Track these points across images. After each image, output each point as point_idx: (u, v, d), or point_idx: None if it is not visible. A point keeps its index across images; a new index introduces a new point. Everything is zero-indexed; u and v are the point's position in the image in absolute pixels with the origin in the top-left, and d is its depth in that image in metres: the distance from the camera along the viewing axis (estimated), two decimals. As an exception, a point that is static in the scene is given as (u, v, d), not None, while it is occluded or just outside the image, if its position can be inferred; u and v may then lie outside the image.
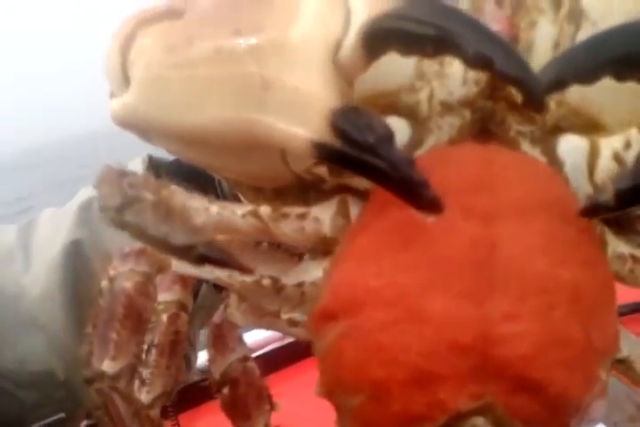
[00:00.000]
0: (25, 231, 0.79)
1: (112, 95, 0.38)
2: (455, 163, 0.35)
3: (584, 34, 0.38)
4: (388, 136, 0.30)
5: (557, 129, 0.38)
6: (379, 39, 0.30)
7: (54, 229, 0.78)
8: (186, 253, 0.32)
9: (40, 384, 0.71)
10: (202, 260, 0.32)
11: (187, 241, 0.31)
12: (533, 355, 0.31)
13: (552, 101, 0.38)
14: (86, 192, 0.78)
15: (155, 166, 0.66)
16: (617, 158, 0.37)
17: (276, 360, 0.83)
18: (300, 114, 0.30)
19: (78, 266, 0.75)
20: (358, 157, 0.30)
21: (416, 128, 0.38)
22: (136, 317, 0.37)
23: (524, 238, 0.33)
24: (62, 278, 0.74)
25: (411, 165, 0.29)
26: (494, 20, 0.36)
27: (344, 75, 0.31)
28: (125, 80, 0.36)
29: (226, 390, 0.48)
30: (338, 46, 0.30)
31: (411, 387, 0.32)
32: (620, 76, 0.31)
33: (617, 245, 0.38)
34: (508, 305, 0.31)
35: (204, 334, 0.53)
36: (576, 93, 0.38)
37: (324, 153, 0.30)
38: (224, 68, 0.31)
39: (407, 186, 0.30)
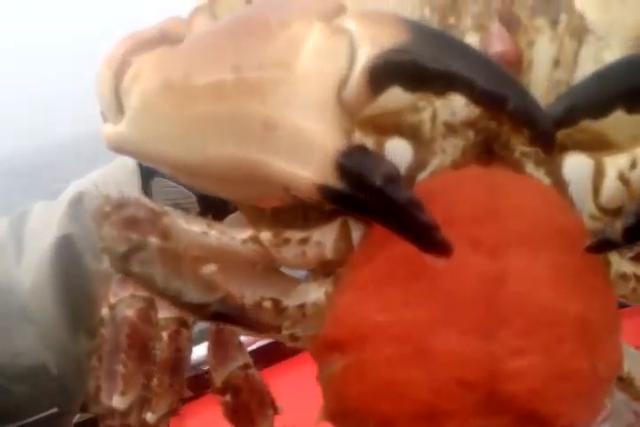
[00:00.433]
0: (16, 224, 0.78)
1: (105, 119, 0.36)
2: (460, 190, 0.34)
3: (589, 49, 0.37)
4: (395, 178, 0.29)
5: (562, 148, 0.37)
6: (385, 76, 0.29)
7: (45, 223, 0.77)
8: (200, 310, 0.31)
9: (33, 378, 0.71)
10: (216, 317, 0.32)
11: (200, 300, 0.31)
12: (540, 389, 0.31)
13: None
14: (77, 186, 0.77)
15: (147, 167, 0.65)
16: (622, 179, 0.36)
17: (269, 356, 0.83)
18: (305, 155, 0.29)
19: (69, 261, 0.74)
20: (365, 201, 0.29)
21: (419, 150, 0.37)
22: (141, 346, 0.37)
23: (532, 271, 0.32)
24: (53, 273, 0.74)
25: (419, 207, 0.29)
26: (499, 39, 0.35)
27: (348, 111, 0.30)
28: (119, 107, 0.35)
29: (228, 398, 0.49)
30: (343, 84, 0.29)
31: (417, 421, 0.32)
32: (631, 110, 0.30)
33: (620, 265, 0.37)
34: (515, 340, 0.31)
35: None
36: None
37: (329, 195, 0.30)
38: (224, 107, 0.30)
39: (416, 229, 0.29)
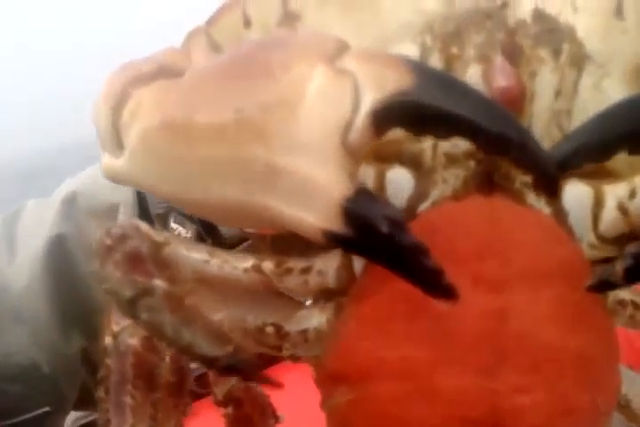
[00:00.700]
0: (9, 222, 0.78)
1: (103, 148, 0.36)
2: (462, 224, 0.34)
3: (589, 77, 0.37)
4: (400, 223, 0.29)
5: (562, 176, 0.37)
6: (389, 119, 0.29)
7: (38, 222, 0.76)
8: (210, 363, 0.32)
9: (25, 377, 0.71)
10: (227, 370, 0.32)
11: (211, 353, 0.31)
12: (543, 426, 0.32)
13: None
14: (70, 185, 0.76)
15: None
16: (621, 208, 0.37)
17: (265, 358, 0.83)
18: (309, 200, 0.29)
19: (62, 260, 0.74)
20: (370, 246, 0.29)
21: (421, 180, 0.37)
22: (148, 375, 0.37)
23: (534, 308, 0.33)
24: (45, 272, 0.74)
25: (425, 253, 0.29)
26: (503, 74, 0.34)
27: (351, 153, 0.30)
28: (117, 141, 0.34)
29: (230, 410, 0.49)
30: (347, 128, 0.29)
31: (421, 457, 0.33)
32: (633, 151, 0.30)
33: (618, 292, 0.38)
34: (517, 377, 0.32)
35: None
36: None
37: (333, 240, 0.30)
38: (226, 149, 0.30)
39: (421, 274, 0.29)
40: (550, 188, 0.29)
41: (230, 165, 0.30)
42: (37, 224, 0.77)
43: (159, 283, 0.31)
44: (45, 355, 0.73)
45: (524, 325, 0.32)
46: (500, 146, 0.29)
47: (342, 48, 0.31)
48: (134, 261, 0.32)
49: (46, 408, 0.73)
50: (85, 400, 0.76)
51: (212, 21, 0.39)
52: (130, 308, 0.31)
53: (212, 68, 0.32)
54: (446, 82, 0.30)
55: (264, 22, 0.38)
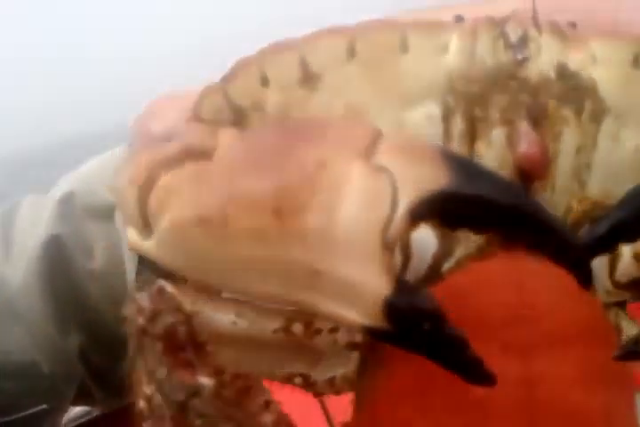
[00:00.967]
0: (6, 218, 0.76)
1: (130, 224, 0.36)
2: (489, 289, 0.35)
3: (607, 129, 0.37)
4: (442, 318, 0.30)
5: (580, 225, 0.38)
6: (427, 216, 0.30)
7: (34, 220, 0.75)
8: None
9: (23, 375, 0.72)
10: None
11: None
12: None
13: (574, 200, 0.38)
14: (67, 182, 0.75)
15: None
16: (637, 257, 0.38)
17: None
18: (351, 299, 0.30)
19: (58, 261, 0.73)
20: (412, 340, 0.30)
21: (444, 238, 0.37)
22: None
23: (561, 371, 0.34)
24: (42, 272, 0.73)
25: (466, 345, 0.30)
26: (527, 140, 0.34)
27: (389, 248, 0.30)
28: (145, 224, 0.34)
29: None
30: (386, 228, 0.29)
31: None
32: None
33: (631, 330, 0.40)
34: (548, 440, 0.34)
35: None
36: (596, 187, 0.38)
37: (375, 334, 0.31)
38: (267, 252, 0.30)
39: (462, 365, 0.30)
40: (583, 278, 0.30)
41: (270, 266, 0.30)
42: (34, 223, 0.76)
43: (206, 381, 0.32)
44: (43, 353, 0.73)
45: (552, 389, 0.34)
46: (542, 240, 0.29)
47: (375, 139, 0.30)
48: (174, 348, 0.33)
49: (44, 406, 0.74)
50: (83, 397, 0.77)
51: (227, 79, 0.38)
52: (181, 411, 0.31)
53: (242, 157, 0.31)
54: (484, 177, 0.30)
55: (282, 82, 0.37)
